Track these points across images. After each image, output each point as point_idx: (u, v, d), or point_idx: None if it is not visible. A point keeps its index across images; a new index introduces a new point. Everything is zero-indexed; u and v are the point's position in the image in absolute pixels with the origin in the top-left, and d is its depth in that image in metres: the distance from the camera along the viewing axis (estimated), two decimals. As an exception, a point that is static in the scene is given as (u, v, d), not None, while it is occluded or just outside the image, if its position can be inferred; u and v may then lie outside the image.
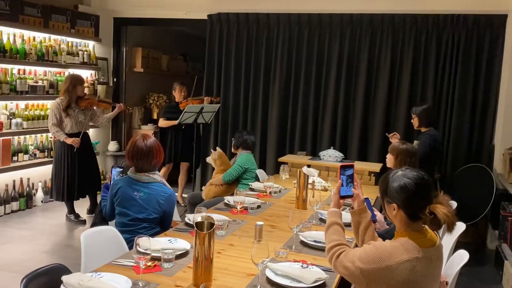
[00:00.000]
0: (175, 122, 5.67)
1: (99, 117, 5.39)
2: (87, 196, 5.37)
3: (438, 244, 1.89)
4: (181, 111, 5.45)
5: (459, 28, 5.34)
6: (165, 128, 6.09)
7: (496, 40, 5.27)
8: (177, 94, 6.06)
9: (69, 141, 4.98)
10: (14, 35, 5.34)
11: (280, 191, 4.03)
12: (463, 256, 2.41)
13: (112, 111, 5.55)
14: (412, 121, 4.67)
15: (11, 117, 5.33)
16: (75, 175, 5.09)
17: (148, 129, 7.00)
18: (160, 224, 2.97)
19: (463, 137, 5.41)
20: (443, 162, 5.46)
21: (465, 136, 5.41)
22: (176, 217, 3.21)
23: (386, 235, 2.57)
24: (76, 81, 5.08)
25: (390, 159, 3.45)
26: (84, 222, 5.22)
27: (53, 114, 4.99)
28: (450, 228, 1.83)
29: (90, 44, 6.53)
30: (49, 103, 5.86)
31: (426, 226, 1.88)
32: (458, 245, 2.80)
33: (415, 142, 4.52)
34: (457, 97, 5.39)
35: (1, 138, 5.15)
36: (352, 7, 5.66)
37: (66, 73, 6.10)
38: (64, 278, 1.94)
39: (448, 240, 2.84)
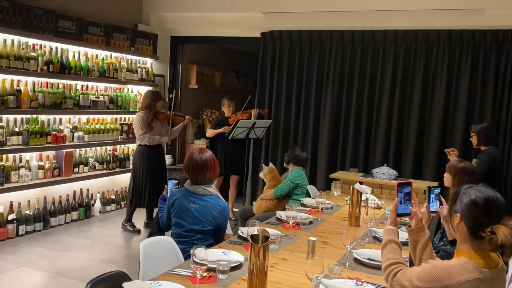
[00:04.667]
0: (221, 130, 5.83)
1: (171, 129, 5.59)
2: (145, 208, 5.45)
3: (501, 266, 1.82)
4: (230, 125, 5.56)
5: (521, 44, 5.17)
6: (214, 141, 6.20)
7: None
8: (226, 109, 6.18)
9: (163, 140, 5.40)
10: (79, 53, 5.66)
11: (332, 208, 4.00)
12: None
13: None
14: (471, 139, 4.53)
15: (73, 130, 5.62)
16: (147, 184, 5.28)
17: (201, 143, 7.16)
18: (214, 236, 3.02)
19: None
20: (503, 182, 5.23)
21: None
22: (228, 230, 3.26)
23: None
24: (156, 97, 5.37)
25: (447, 178, 3.35)
26: (139, 232, 5.38)
27: (140, 126, 5.23)
28: (509, 251, 1.76)
29: (148, 61, 6.80)
30: (108, 118, 6.14)
31: (487, 246, 1.82)
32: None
33: (474, 160, 4.38)
34: (518, 114, 5.20)
35: (64, 150, 5.42)
36: (406, 23, 5.59)
37: (125, 89, 6.38)
38: (125, 284, 2.02)
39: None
